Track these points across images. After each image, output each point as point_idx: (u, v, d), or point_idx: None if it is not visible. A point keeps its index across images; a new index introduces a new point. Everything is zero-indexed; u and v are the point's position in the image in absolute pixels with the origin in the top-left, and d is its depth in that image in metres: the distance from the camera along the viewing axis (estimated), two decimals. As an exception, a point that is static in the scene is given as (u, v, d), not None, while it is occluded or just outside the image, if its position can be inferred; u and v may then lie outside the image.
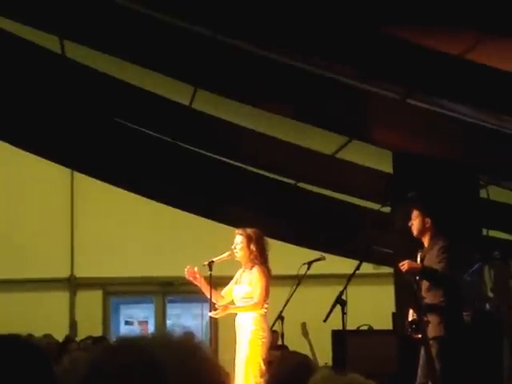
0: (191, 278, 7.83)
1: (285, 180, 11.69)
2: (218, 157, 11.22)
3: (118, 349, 1.16)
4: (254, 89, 8.80)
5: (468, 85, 7.17)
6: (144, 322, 15.14)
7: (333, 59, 7.56)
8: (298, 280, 8.02)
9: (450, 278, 7.50)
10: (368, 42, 7.08)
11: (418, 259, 7.61)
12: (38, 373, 2.02)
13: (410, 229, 7.81)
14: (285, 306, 8.00)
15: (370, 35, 6.99)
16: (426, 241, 7.78)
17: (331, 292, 6.84)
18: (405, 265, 7.35)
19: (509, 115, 7.82)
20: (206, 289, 7.83)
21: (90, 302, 14.60)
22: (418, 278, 7.40)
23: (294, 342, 9.01)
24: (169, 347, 1.14)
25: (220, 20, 7.39)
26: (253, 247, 7.76)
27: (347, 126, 9.36)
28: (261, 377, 7.23)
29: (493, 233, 10.55)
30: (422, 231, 7.76)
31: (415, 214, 7.78)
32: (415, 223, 7.77)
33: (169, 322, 14.98)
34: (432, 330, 7.22)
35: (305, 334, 10.62)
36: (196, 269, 7.83)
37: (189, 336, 1.17)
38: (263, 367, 7.30)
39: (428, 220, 7.73)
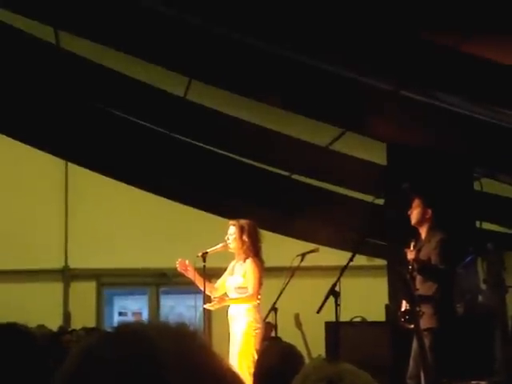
0: (183, 271, 7.84)
1: (279, 172, 11.70)
2: (211, 148, 11.21)
3: (114, 335, 1.14)
4: (247, 79, 8.80)
5: (463, 77, 7.17)
6: (138, 314, 15.15)
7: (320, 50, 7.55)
8: (291, 272, 8.03)
9: (445, 273, 7.52)
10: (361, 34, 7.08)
11: (411, 247, 7.62)
12: (34, 361, 2.02)
13: (408, 217, 7.81)
14: (278, 297, 8.01)
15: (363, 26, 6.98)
16: (423, 231, 7.78)
17: (324, 284, 6.84)
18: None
19: (504, 108, 7.82)
20: (198, 280, 7.84)
21: (84, 293, 14.60)
22: (411, 268, 7.43)
23: (288, 334, 9.00)
24: (167, 334, 1.11)
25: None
26: (245, 238, 7.76)
27: (341, 117, 9.36)
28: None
29: (486, 225, 10.56)
30: (421, 221, 7.76)
31: (416, 202, 7.78)
32: (415, 212, 7.77)
33: (162, 314, 15.00)
34: (425, 322, 7.24)
35: (298, 325, 10.63)
36: (187, 261, 7.83)
37: (185, 324, 1.16)
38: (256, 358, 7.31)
39: (429, 211, 7.74)
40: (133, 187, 12.75)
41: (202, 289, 7.81)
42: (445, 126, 8.71)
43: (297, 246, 10.32)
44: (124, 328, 1.15)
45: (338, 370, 2.20)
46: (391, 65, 7.42)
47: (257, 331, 7.66)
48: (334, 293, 6.55)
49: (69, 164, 14.03)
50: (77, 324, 12.71)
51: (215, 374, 1.10)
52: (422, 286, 7.50)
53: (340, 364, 2.30)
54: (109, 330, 1.18)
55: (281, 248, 10.33)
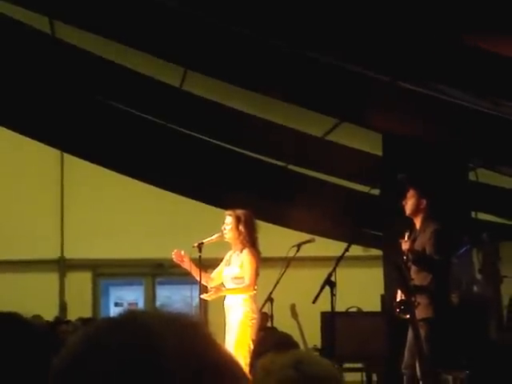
0: (179, 261, 7.84)
1: (275, 162, 11.71)
2: (207, 139, 11.21)
3: (113, 322, 1.13)
4: (247, 71, 8.79)
5: (462, 69, 7.16)
6: (134, 304, 15.17)
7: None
8: (287, 262, 8.04)
9: (439, 263, 7.53)
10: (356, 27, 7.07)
11: (406, 237, 7.63)
12: (35, 351, 2.02)
13: (402, 208, 7.82)
14: (274, 287, 8.02)
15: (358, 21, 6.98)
16: (417, 222, 7.78)
17: (320, 274, 6.86)
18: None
19: (502, 99, 7.82)
20: (194, 271, 7.84)
21: (80, 284, 14.61)
22: (405, 258, 7.44)
23: (284, 324, 9.04)
24: (168, 322, 1.10)
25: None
26: (242, 228, 7.76)
27: (338, 108, 9.35)
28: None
29: (481, 215, 10.58)
30: (416, 211, 7.76)
31: (411, 193, 7.77)
32: (409, 202, 7.77)
33: (158, 304, 15.02)
34: (421, 312, 7.25)
35: (294, 315, 10.65)
36: (183, 252, 7.83)
37: (187, 314, 1.15)
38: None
39: (423, 201, 7.73)
40: (128, 178, 12.75)
41: (198, 279, 7.82)
42: (442, 117, 8.71)
43: (293, 236, 10.33)
44: (123, 316, 1.14)
45: (291, 355, 2.20)
46: (389, 57, 7.41)
47: (253, 321, 7.68)
48: (329, 283, 6.56)
49: (64, 155, 14.02)
50: (73, 314, 12.74)
51: (216, 363, 1.10)
52: (417, 277, 7.51)
53: (295, 350, 2.32)
54: (108, 317, 1.17)
55: (277, 238, 10.34)
